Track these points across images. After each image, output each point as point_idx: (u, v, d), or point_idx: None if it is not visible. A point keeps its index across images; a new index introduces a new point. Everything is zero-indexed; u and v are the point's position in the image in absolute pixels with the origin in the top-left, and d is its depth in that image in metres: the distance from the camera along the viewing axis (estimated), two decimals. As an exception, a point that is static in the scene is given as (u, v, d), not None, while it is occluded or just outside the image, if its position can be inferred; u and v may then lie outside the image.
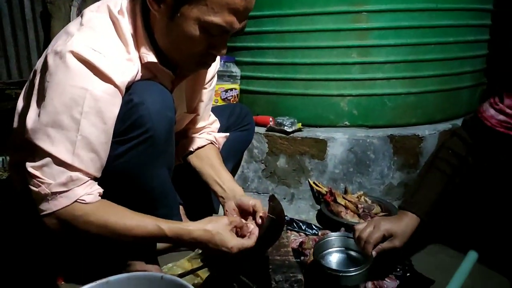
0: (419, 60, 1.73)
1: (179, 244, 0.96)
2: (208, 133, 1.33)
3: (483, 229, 1.32)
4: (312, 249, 1.22)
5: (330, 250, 1.17)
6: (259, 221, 1.04)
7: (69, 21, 2.92)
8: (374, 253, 1.05)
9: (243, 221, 1.04)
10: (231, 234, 0.95)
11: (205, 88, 1.24)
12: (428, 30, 1.71)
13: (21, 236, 1.21)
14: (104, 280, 0.76)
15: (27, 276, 1.16)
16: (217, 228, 0.94)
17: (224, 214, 1.15)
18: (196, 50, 0.92)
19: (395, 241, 1.07)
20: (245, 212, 1.11)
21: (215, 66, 1.24)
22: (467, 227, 1.38)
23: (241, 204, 1.11)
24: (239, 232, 1.01)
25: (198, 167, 1.27)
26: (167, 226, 0.93)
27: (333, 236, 1.19)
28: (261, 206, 1.07)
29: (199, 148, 1.29)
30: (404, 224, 1.08)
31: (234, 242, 0.93)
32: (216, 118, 1.37)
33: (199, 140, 1.30)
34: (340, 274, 1.03)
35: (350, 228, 1.26)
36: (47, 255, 1.18)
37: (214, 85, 1.30)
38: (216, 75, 1.28)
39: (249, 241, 0.96)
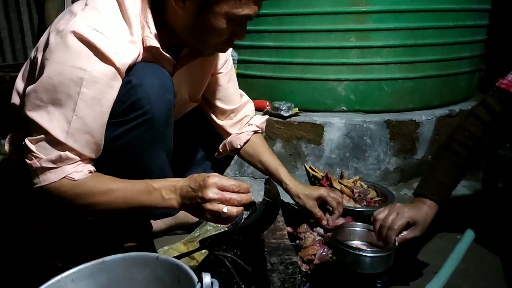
0: (417, 45, 1.72)
1: (160, 200, 0.88)
2: (249, 124, 1.33)
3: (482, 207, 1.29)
4: (307, 232, 1.23)
5: (350, 241, 1.13)
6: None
7: (63, 4, 2.87)
8: (396, 242, 1.00)
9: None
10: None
11: (220, 73, 1.24)
12: (427, 14, 1.69)
13: (18, 219, 1.21)
14: (99, 260, 0.76)
15: (25, 259, 1.16)
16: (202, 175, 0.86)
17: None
18: (221, 40, 0.95)
19: (415, 230, 1.03)
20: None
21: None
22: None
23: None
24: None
25: (251, 163, 1.34)
26: (154, 181, 0.90)
27: (356, 227, 1.16)
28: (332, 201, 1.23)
29: (245, 143, 1.31)
30: (424, 212, 1.05)
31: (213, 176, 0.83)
32: (249, 99, 1.36)
33: (243, 135, 1.31)
34: (364, 254, 0.99)
35: (347, 212, 1.26)
36: (45, 238, 1.18)
37: (230, 66, 1.28)
38: (230, 58, 1.28)
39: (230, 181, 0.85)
